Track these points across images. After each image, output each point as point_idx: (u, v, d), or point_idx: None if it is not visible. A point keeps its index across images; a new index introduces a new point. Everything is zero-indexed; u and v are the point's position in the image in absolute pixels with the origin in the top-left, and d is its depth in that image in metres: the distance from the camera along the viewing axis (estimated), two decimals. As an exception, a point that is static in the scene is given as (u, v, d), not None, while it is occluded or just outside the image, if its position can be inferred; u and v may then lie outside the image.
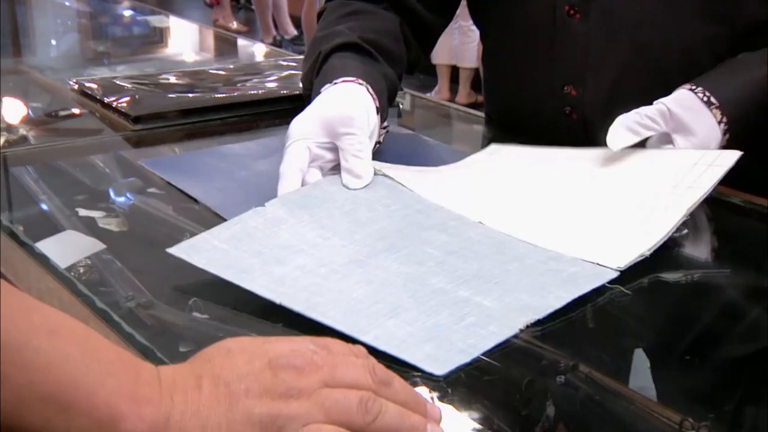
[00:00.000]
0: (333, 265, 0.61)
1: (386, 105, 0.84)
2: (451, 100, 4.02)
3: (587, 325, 0.58)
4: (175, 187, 0.78)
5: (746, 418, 0.51)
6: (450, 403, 0.48)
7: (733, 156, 0.73)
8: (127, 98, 1.01)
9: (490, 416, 0.48)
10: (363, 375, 0.44)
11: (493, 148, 0.87)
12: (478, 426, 0.47)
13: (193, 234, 0.65)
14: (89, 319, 0.56)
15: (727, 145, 0.79)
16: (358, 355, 0.46)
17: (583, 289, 0.59)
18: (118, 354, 0.42)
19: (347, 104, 0.76)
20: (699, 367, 0.55)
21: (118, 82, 1.10)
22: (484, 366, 0.52)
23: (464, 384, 0.50)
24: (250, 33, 5.59)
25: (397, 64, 0.89)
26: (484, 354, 0.52)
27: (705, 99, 0.79)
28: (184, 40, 1.74)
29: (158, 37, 1.74)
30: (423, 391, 0.48)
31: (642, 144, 0.80)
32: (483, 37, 1.03)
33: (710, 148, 0.78)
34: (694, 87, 0.80)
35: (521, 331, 0.54)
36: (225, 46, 1.66)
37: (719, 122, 0.78)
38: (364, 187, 0.72)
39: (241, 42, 1.69)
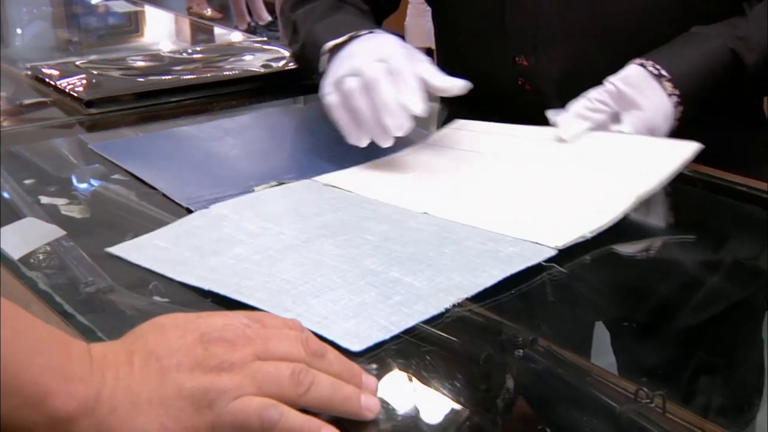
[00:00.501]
0: (269, 251, 0.61)
1: None
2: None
3: (543, 299, 0.59)
4: (125, 170, 0.78)
5: (699, 387, 0.51)
6: (406, 372, 0.49)
7: (692, 147, 0.73)
8: (82, 83, 1.01)
9: (443, 390, 0.48)
10: (296, 347, 0.44)
11: (455, 126, 0.87)
12: (438, 399, 0.47)
13: (155, 218, 0.65)
14: (32, 302, 0.56)
15: (682, 117, 0.79)
16: (293, 328, 0.47)
17: (517, 267, 0.59)
18: (47, 332, 0.42)
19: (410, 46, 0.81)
20: (653, 338, 0.55)
21: (76, 67, 1.09)
22: (439, 340, 0.52)
23: (415, 357, 0.50)
24: (225, 20, 5.54)
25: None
26: (430, 325, 0.52)
27: (655, 72, 0.78)
28: (158, 28, 1.73)
29: (133, 26, 1.73)
30: (401, 376, 0.48)
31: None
32: (434, 15, 1.03)
33: (659, 122, 0.78)
34: (644, 61, 0.79)
35: (447, 310, 0.54)
36: (199, 34, 1.65)
37: (670, 95, 0.78)
38: (311, 193, 0.72)
39: (215, 29, 1.68)
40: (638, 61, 0.80)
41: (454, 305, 0.54)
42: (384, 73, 0.75)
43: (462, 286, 0.56)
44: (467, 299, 0.55)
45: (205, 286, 0.56)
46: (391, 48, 0.79)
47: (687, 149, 0.74)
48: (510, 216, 0.67)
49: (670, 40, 0.83)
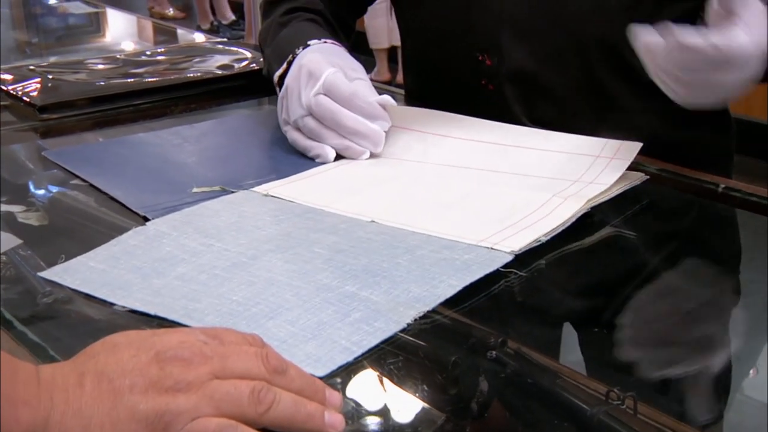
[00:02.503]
0: (214, 270, 0.59)
1: None
2: (392, 80, 3.99)
3: (506, 305, 0.58)
4: (79, 177, 0.76)
5: (670, 387, 0.51)
6: (372, 382, 0.48)
7: (634, 148, 0.73)
8: (36, 87, 0.98)
9: (413, 397, 0.48)
10: (255, 364, 0.43)
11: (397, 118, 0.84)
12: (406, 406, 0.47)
13: (116, 226, 0.63)
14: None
15: None
16: (253, 344, 0.45)
17: (475, 275, 0.58)
18: None
19: (348, 57, 0.83)
20: (623, 338, 0.55)
21: (30, 71, 1.06)
22: (405, 346, 0.51)
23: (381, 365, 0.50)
24: (187, 19, 5.49)
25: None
26: (404, 333, 0.52)
27: None
28: (119, 29, 1.70)
29: (94, 26, 1.71)
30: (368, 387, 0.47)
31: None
32: (398, 15, 1.02)
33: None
34: None
35: (408, 325, 0.53)
36: (161, 35, 1.63)
37: None
38: (250, 204, 0.70)
39: (178, 30, 1.66)
40: None
41: (415, 319, 0.53)
42: (334, 106, 0.79)
43: (421, 299, 0.55)
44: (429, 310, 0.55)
45: (151, 311, 0.54)
46: (325, 73, 0.79)
47: (630, 151, 0.73)
48: (460, 222, 0.66)
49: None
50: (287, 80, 0.83)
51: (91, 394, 0.40)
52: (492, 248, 0.61)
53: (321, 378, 0.47)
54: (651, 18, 0.83)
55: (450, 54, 0.93)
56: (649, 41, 0.68)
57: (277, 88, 0.87)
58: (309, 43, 0.85)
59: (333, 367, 0.48)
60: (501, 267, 0.59)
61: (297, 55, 0.84)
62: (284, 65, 0.85)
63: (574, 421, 0.46)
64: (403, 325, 0.53)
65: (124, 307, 0.55)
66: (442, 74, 0.96)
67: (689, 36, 0.65)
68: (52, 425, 0.39)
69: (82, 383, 0.40)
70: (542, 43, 0.86)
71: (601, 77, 0.86)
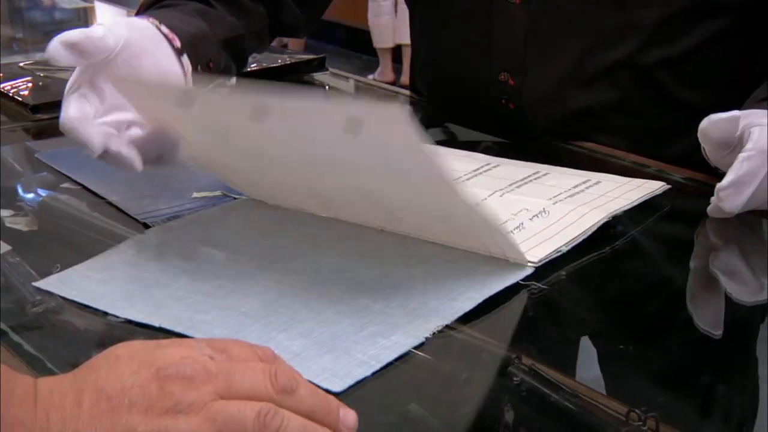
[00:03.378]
0: (220, 280, 0.58)
1: (200, 44, 0.76)
2: (396, 81, 3.94)
3: (527, 318, 0.56)
4: (74, 181, 0.74)
5: (693, 408, 0.50)
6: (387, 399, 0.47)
7: (661, 186, 0.73)
8: (27, 86, 0.96)
9: (429, 416, 0.46)
10: (262, 383, 0.41)
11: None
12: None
13: (110, 232, 0.62)
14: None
15: None
16: (263, 358, 0.43)
17: (495, 288, 0.56)
18: None
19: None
20: (644, 357, 0.53)
21: (21, 69, 1.04)
22: (420, 362, 0.50)
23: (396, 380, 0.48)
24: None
25: (253, 17, 0.86)
26: (416, 348, 0.50)
27: None
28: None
29: (81, 21, 1.69)
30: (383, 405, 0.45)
31: None
32: (412, 18, 0.99)
33: None
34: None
35: (427, 339, 0.51)
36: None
37: None
38: (253, 211, 0.68)
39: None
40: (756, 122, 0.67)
41: (433, 333, 0.52)
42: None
43: (439, 312, 0.53)
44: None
45: (156, 323, 0.53)
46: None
47: (655, 186, 0.73)
48: (475, 229, 0.63)
49: (662, 61, 0.81)
50: None
51: (88, 413, 0.38)
52: (510, 259, 0.60)
53: (339, 393, 0.46)
54: (681, 37, 0.81)
55: (468, 70, 0.90)
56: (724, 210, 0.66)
57: None
58: None
59: (350, 381, 0.47)
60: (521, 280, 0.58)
61: None
62: None
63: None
64: (421, 339, 0.51)
65: (117, 317, 0.53)
66: (458, 88, 0.92)
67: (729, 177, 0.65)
68: None
69: (80, 401, 0.39)
70: (570, 63, 0.84)
71: (630, 97, 0.84)
